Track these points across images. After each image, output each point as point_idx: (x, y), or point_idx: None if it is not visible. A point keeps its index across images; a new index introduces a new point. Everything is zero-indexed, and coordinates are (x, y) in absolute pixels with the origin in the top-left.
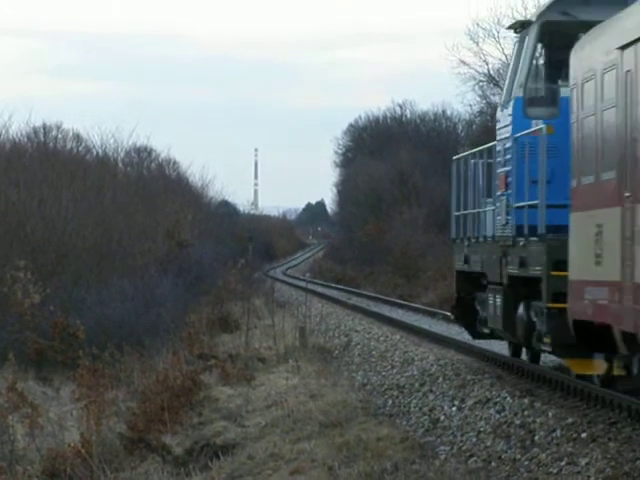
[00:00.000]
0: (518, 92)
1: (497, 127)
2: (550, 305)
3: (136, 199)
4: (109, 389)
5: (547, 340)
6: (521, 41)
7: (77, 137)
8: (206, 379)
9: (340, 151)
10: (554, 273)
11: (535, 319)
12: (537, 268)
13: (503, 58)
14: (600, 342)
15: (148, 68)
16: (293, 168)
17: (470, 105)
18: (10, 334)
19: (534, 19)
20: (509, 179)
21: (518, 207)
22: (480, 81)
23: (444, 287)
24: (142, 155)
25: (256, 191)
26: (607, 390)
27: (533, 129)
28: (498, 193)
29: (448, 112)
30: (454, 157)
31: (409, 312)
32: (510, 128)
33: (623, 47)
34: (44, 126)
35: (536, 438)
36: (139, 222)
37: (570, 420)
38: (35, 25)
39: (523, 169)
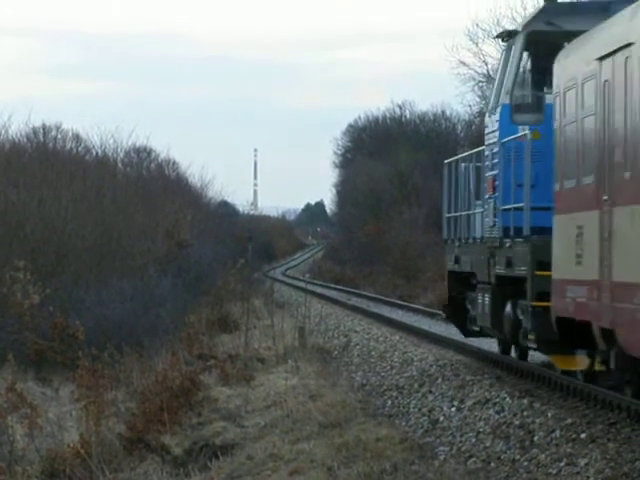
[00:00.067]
0: (505, 99)
1: (485, 132)
2: (534, 303)
3: (135, 199)
4: (108, 390)
5: (532, 337)
6: (508, 50)
7: (76, 137)
8: (205, 379)
9: (339, 151)
10: (538, 273)
11: (521, 317)
12: (522, 268)
13: None
14: (581, 338)
15: (148, 68)
16: (292, 168)
17: (469, 106)
18: (9, 334)
19: (520, 29)
20: (496, 182)
21: (505, 209)
22: (479, 82)
23: (443, 288)
24: (142, 155)
25: (255, 191)
26: (606, 390)
27: (519, 135)
28: (486, 196)
29: (447, 112)
30: (445, 161)
31: (408, 313)
32: (497, 133)
33: (601, 58)
34: (43, 126)
35: (535, 439)
36: (138, 222)
37: (569, 421)
38: (35, 25)
39: (509, 173)
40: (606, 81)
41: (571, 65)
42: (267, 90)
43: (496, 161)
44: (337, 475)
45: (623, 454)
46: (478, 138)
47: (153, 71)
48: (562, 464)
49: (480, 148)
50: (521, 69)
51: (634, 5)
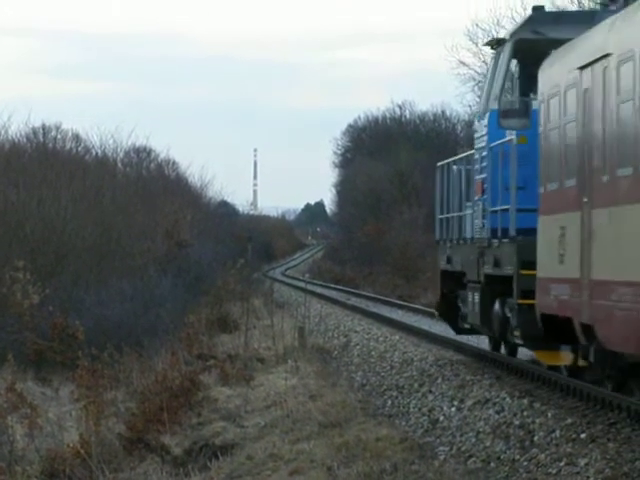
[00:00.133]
0: (493, 104)
1: (475, 137)
2: (520, 301)
3: (135, 199)
4: (108, 389)
5: (517, 333)
6: (496, 57)
7: (76, 137)
8: (205, 379)
9: (339, 151)
10: (523, 272)
11: (509, 314)
12: (509, 267)
13: None
14: (564, 334)
15: (147, 68)
16: (292, 168)
17: (469, 106)
18: (9, 334)
19: (508, 37)
20: (485, 185)
21: (493, 211)
22: (479, 82)
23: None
24: (141, 155)
25: (255, 191)
26: (607, 391)
27: (506, 139)
28: (475, 198)
29: (447, 113)
30: (438, 164)
31: (408, 313)
32: (486, 138)
33: (582, 67)
34: (43, 126)
35: (535, 438)
36: (138, 222)
37: (569, 420)
38: (35, 25)
39: (497, 176)
40: (586, 89)
41: (555, 73)
42: (267, 90)
43: (485, 164)
44: (337, 475)
45: (623, 454)
46: None
47: (153, 71)
48: (562, 464)
49: (470, 152)
50: (509, 76)
51: (612, 18)
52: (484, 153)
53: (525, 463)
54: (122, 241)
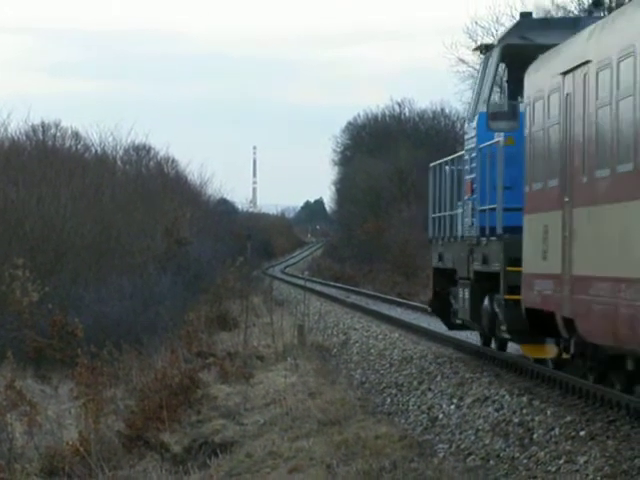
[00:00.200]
0: (482, 107)
1: (465, 138)
2: (507, 297)
3: (135, 197)
4: (107, 387)
5: (504, 328)
6: (485, 62)
7: (76, 135)
8: (204, 377)
9: (339, 149)
10: (510, 268)
11: (497, 310)
12: (496, 264)
13: None
14: (548, 328)
15: (147, 66)
16: (292, 166)
17: (469, 103)
18: (9, 332)
19: (496, 43)
20: (474, 185)
21: (481, 210)
22: None
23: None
24: (141, 153)
25: (254, 189)
26: (606, 388)
27: (493, 141)
28: (465, 197)
29: (447, 110)
30: (430, 164)
31: (408, 310)
32: (475, 139)
33: (564, 73)
34: (43, 124)
35: (535, 436)
36: (138, 220)
37: (569, 418)
38: (34, 23)
39: (485, 176)
40: (568, 94)
41: (539, 78)
42: (266, 88)
43: (474, 165)
44: (336, 473)
45: (622, 452)
46: None
47: (152, 69)
48: (561, 462)
49: (461, 153)
50: (497, 80)
51: (592, 26)
52: (473, 154)
53: (524, 461)
54: (121, 239)
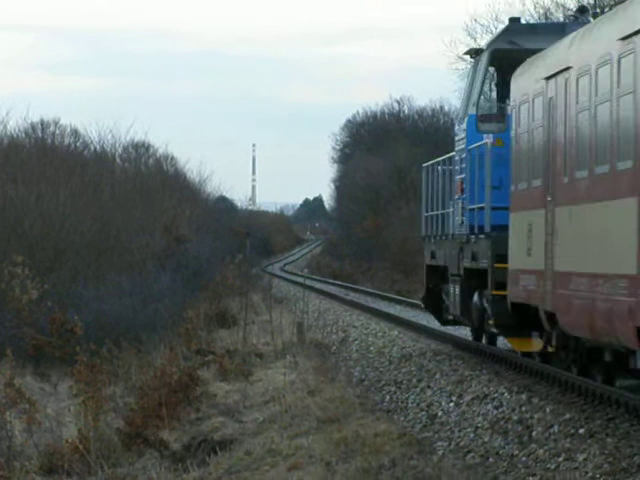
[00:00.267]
0: (472, 110)
1: (455, 139)
2: (494, 292)
3: (134, 195)
4: (107, 385)
5: (492, 322)
6: (475, 65)
7: (75, 133)
8: (204, 375)
9: (338, 147)
10: (497, 265)
11: (486, 305)
12: (485, 261)
13: None
14: (533, 322)
15: (146, 63)
16: (291, 164)
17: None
18: (8, 330)
19: (485, 47)
20: (464, 185)
21: (471, 209)
22: None
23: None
24: (140, 151)
25: (254, 187)
26: (605, 386)
27: (482, 142)
28: (456, 197)
29: (446, 108)
30: (423, 165)
31: (407, 308)
32: (465, 141)
33: (548, 78)
34: (42, 122)
35: (534, 434)
36: (137, 218)
37: (568, 416)
38: (33, 21)
39: (475, 176)
40: (551, 98)
41: (524, 82)
42: (266, 85)
43: (464, 165)
44: (335, 470)
45: (621, 449)
46: None
47: (152, 67)
48: (560, 459)
49: (452, 153)
50: (486, 83)
51: (573, 34)
52: (463, 155)
53: (524, 458)
54: (121, 236)
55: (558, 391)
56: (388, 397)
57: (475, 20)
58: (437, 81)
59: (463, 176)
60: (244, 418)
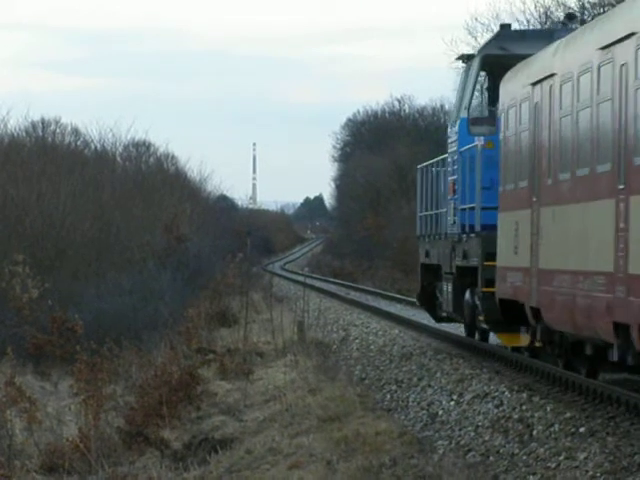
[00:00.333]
0: (463, 113)
1: (448, 142)
2: (484, 289)
3: (134, 194)
4: (107, 384)
5: (482, 318)
6: (467, 70)
7: (75, 131)
8: (204, 373)
9: (338, 146)
10: (487, 263)
11: (477, 302)
12: (475, 259)
13: None
14: (520, 317)
15: (147, 63)
16: (291, 163)
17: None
18: (8, 328)
19: (477, 53)
20: (456, 186)
21: (462, 209)
22: None
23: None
24: (140, 149)
25: (254, 185)
26: (606, 384)
27: (473, 144)
28: (448, 197)
29: (446, 107)
30: (418, 166)
31: (407, 306)
32: (457, 143)
33: (534, 84)
34: (42, 120)
35: (534, 433)
36: (137, 216)
37: (568, 414)
38: (34, 20)
39: (466, 177)
40: (536, 103)
41: (512, 87)
42: (266, 84)
43: (456, 167)
44: (336, 469)
45: (622, 448)
46: None
47: (152, 66)
48: (561, 458)
49: (445, 155)
50: (477, 87)
51: (557, 42)
52: (455, 157)
53: (524, 457)
54: (121, 235)
55: (559, 390)
56: (389, 396)
57: (476, 19)
58: (438, 80)
59: (455, 177)
60: (245, 417)
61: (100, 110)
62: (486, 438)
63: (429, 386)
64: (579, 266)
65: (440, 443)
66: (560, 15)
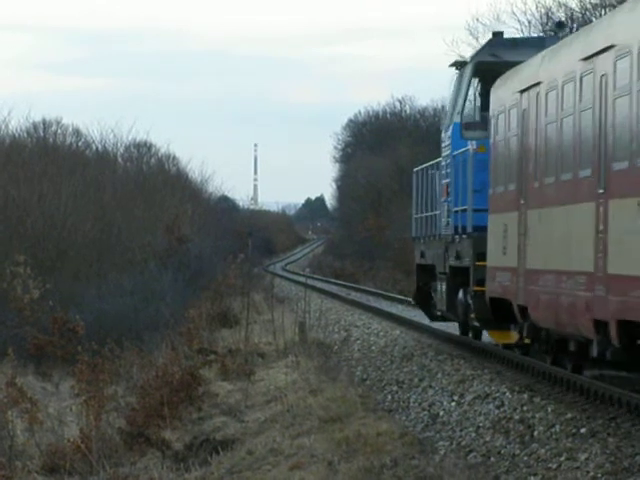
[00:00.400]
0: (456, 118)
1: (442, 146)
2: (476, 288)
3: (136, 194)
4: (108, 384)
5: (473, 316)
6: (460, 76)
7: (77, 132)
8: (205, 374)
9: (340, 146)
10: (478, 263)
11: (470, 301)
12: (467, 259)
13: None
14: (508, 315)
15: (148, 63)
16: (293, 163)
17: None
18: (9, 329)
19: (469, 60)
20: (449, 188)
21: (455, 211)
22: None
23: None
24: (142, 150)
25: (255, 186)
26: (607, 385)
27: (465, 148)
28: (442, 200)
29: (447, 107)
30: (414, 169)
31: (408, 307)
32: (450, 147)
33: (522, 91)
34: (44, 121)
35: (535, 433)
36: (138, 217)
37: (569, 415)
38: (35, 21)
39: (459, 180)
40: (524, 110)
41: (502, 94)
42: (267, 85)
43: (449, 170)
44: (337, 470)
45: (623, 449)
46: None
47: (153, 66)
48: (562, 459)
49: (439, 159)
50: (470, 93)
51: (544, 52)
52: (449, 160)
53: (525, 458)
54: (122, 236)
55: (560, 390)
56: (390, 397)
57: (477, 19)
58: (438, 80)
59: (449, 180)
60: (246, 418)
61: (100, 110)
62: (487, 439)
63: (430, 387)
64: (563, 266)
65: (441, 444)
66: (561, 16)
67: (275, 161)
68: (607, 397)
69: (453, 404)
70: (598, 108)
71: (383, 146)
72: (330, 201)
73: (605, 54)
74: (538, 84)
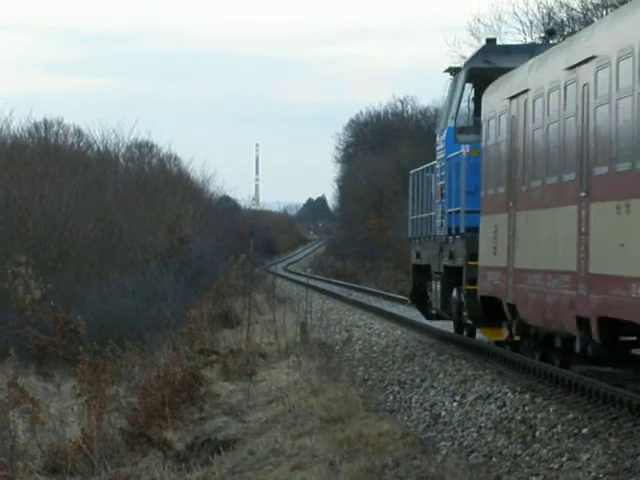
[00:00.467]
0: (450, 123)
1: (436, 149)
2: (468, 287)
3: (137, 194)
4: (110, 384)
5: (465, 314)
6: (454, 82)
7: (78, 132)
8: (207, 374)
9: (341, 146)
10: (471, 263)
11: (463, 300)
12: (460, 259)
13: None
14: (499, 313)
15: (149, 63)
16: (294, 164)
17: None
18: (11, 329)
19: (463, 66)
20: (444, 190)
21: (449, 212)
22: None
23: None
24: (143, 150)
25: (257, 186)
26: (609, 386)
27: (459, 152)
28: (437, 201)
29: None
30: (411, 171)
31: (410, 307)
32: (444, 150)
33: (511, 98)
34: (45, 121)
35: (537, 434)
36: (140, 217)
37: (571, 415)
38: (36, 21)
39: (452, 183)
40: (513, 116)
41: (493, 100)
42: (269, 85)
43: (443, 173)
44: (339, 470)
45: (625, 449)
46: None
47: (155, 67)
48: (564, 459)
49: (434, 162)
50: (464, 98)
51: (532, 60)
52: (443, 163)
53: (527, 458)
54: (124, 236)
55: (561, 391)
56: (391, 397)
57: (479, 20)
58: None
59: (443, 182)
60: (247, 418)
61: (100, 110)
62: (489, 439)
63: (432, 387)
64: (549, 266)
65: (443, 444)
66: (563, 16)
67: (276, 161)
68: (609, 397)
69: (455, 404)
70: (581, 116)
71: (385, 146)
72: (331, 201)
73: (587, 64)
74: (526, 91)
